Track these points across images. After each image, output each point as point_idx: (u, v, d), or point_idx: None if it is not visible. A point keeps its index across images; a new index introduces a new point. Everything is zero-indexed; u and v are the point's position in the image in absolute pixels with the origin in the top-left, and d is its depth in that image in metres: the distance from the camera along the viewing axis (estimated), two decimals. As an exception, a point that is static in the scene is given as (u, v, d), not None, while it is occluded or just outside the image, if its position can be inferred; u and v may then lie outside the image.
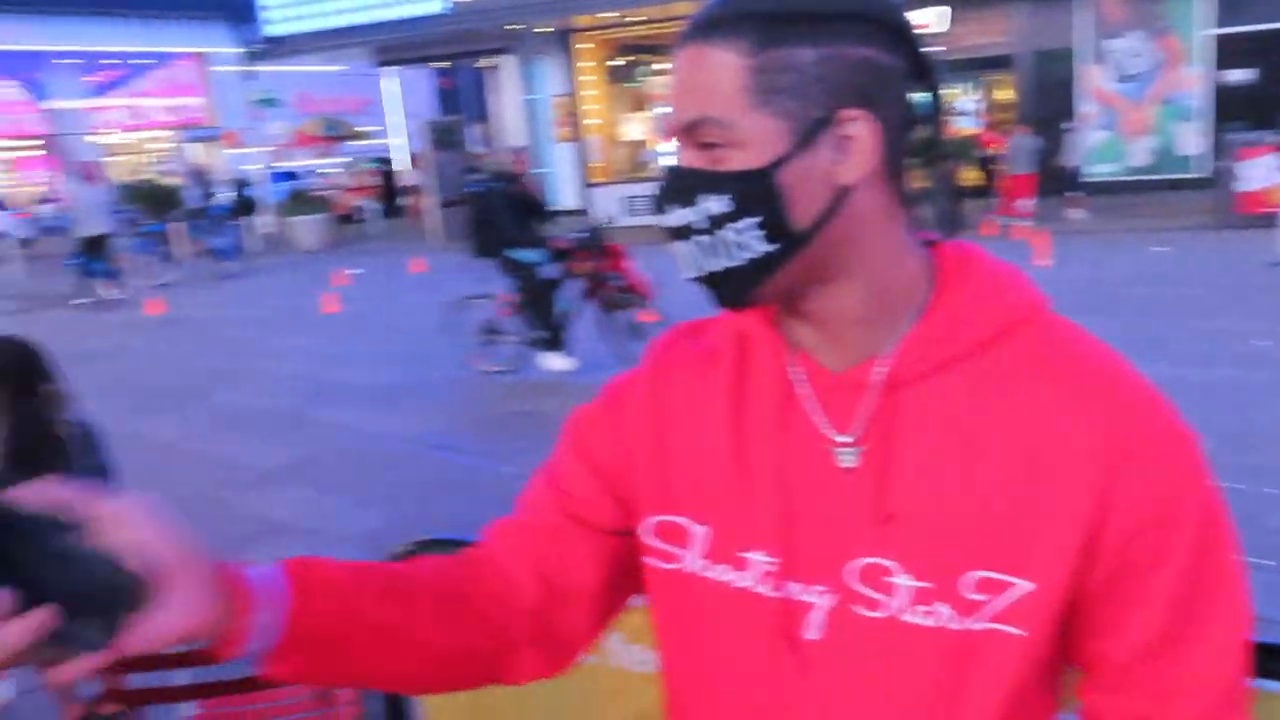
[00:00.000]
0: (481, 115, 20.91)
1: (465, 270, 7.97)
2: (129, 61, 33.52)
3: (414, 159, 24.52)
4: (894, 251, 0.77)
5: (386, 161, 24.09)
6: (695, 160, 0.75)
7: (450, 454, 5.88)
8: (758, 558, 0.80)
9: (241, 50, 22.18)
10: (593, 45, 18.09)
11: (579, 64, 18.17)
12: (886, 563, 0.75)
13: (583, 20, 16.97)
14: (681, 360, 0.89)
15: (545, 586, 0.89)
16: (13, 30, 27.27)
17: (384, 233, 20.07)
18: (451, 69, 22.96)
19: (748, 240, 0.73)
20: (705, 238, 0.75)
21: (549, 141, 18.59)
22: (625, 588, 0.93)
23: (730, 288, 0.77)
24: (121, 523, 0.63)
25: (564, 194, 17.81)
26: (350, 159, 26.13)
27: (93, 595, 0.60)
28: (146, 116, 34.98)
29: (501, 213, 7.18)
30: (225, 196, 22.93)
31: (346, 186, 23.86)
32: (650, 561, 0.88)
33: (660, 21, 16.25)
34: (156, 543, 0.64)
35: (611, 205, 16.57)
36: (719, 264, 0.75)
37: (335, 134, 27.58)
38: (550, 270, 7.19)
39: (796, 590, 0.79)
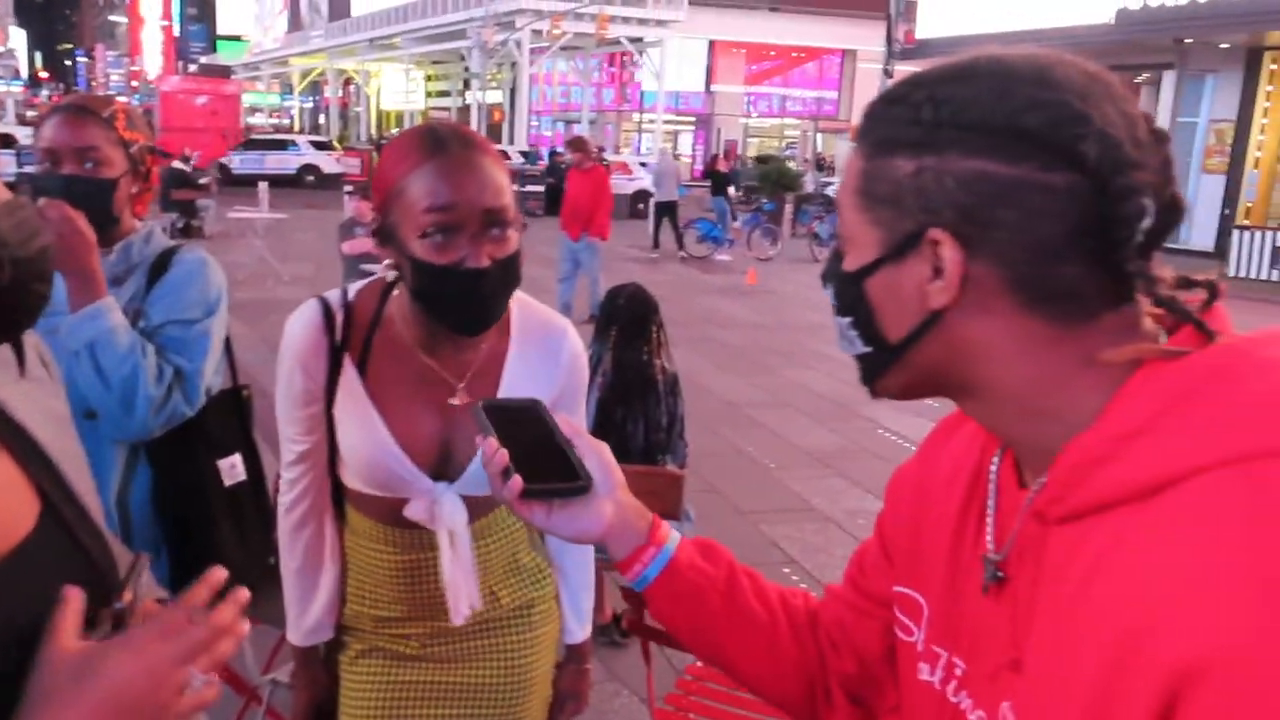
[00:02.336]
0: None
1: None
2: (793, 55, 36.81)
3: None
4: (1034, 378, 0.68)
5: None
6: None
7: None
8: (943, 654, 0.80)
9: (885, 50, 22.94)
10: (1280, 66, 15.47)
11: (1266, 86, 15.66)
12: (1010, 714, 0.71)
13: None
14: (964, 432, 0.84)
15: (854, 656, 0.93)
16: (697, 21, 31.47)
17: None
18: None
19: (850, 336, 0.76)
20: (837, 319, 0.77)
21: (1195, 172, 16.44)
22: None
23: (861, 373, 0.78)
24: (594, 450, 0.91)
25: (1198, 233, 15.57)
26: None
27: (556, 473, 0.87)
28: (786, 105, 38.23)
29: None
30: (836, 186, 24.14)
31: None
32: (896, 631, 0.88)
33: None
34: (608, 470, 0.90)
35: (1256, 254, 14.13)
36: (843, 348, 0.78)
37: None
38: None
39: (966, 704, 0.76)
